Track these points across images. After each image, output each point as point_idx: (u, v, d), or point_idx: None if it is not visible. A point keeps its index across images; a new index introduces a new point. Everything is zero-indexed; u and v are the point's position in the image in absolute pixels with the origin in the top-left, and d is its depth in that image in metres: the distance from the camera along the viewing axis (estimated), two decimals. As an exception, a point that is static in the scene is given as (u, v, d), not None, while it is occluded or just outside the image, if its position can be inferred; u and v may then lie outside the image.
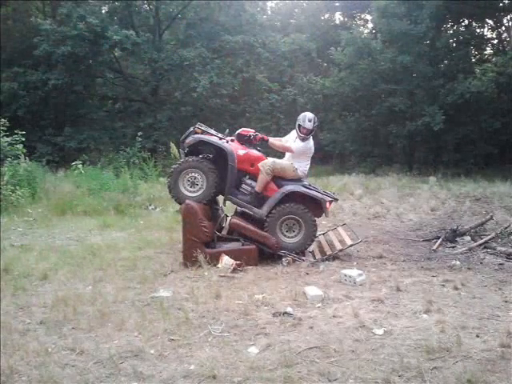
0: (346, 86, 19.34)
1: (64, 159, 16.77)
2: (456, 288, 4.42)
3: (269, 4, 31.01)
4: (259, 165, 5.51)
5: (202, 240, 5.14)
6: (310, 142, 5.69)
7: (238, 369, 2.86)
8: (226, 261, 4.97)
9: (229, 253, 5.13)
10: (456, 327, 3.46)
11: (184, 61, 18.39)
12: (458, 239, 6.54)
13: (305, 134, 5.57)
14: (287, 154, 5.79)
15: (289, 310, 3.80)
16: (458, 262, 5.33)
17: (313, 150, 5.75)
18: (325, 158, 22.92)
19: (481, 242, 6.17)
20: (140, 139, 13.55)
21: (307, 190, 5.56)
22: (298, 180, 5.65)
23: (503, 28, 22.73)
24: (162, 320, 3.59)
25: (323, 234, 6.59)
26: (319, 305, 3.98)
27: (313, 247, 5.90)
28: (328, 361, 2.97)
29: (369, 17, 28.70)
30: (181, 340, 3.27)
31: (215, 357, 3.00)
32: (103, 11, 20.20)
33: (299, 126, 5.58)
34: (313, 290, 4.19)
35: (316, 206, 5.57)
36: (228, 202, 5.83)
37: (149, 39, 19.16)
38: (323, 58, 25.36)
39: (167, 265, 5.21)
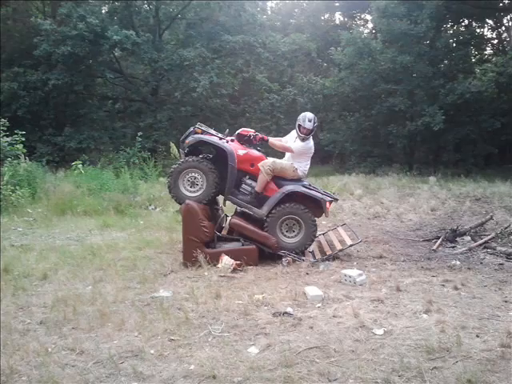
0: (346, 85, 19.34)
1: (64, 159, 16.79)
2: (456, 288, 4.42)
3: (269, 4, 31.05)
4: (259, 165, 5.51)
5: (201, 240, 5.14)
6: (310, 142, 5.69)
7: (237, 369, 2.85)
8: (226, 261, 4.97)
9: (229, 253, 5.13)
10: (456, 327, 3.46)
11: (184, 61, 18.39)
12: (458, 239, 6.54)
13: (305, 134, 5.56)
14: (287, 154, 5.79)
15: (289, 310, 3.80)
16: (458, 262, 5.33)
17: (313, 150, 5.75)
18: (325, 158, 22.94)
19: (481, 241, 6.17)
20: (140, 139, 13.56)
21: (307, 190, 5.56)
22: (298, 180, 5.64)
23: (503, 28, 22.76)
24: (162, 320, 3.59)
25: (323, 233, 6.59)
26: (319, 305, 3.98)
27: (313, 247, 5.90)
28: (328, 361, 2.96)
29: (369, 17, 28.75)
30: (181, 340, 3.27)
31: (215, 357, 3.00)
32: (103, 11, 20.19)
33: (299, 125, 5.58)
34: (313, 290, 4.19)
35: (316, 206, 5.57)
36: (228, 202, 5.83)
37: (149, 39, 19.15)
38: (323, 58, 25.39)
39: (167, 265, 5.21)
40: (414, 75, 17.67)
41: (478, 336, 3.32)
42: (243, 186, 5.65)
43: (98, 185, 9.79)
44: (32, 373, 2.82)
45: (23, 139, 10.02)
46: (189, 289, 4.31)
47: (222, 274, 4.76)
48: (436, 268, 5.20)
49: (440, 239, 6.45)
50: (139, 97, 20.61)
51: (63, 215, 8.17)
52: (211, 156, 5.70)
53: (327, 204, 5.57)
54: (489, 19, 21.42)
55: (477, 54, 22.12)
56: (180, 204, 5.55)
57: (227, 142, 5.55)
